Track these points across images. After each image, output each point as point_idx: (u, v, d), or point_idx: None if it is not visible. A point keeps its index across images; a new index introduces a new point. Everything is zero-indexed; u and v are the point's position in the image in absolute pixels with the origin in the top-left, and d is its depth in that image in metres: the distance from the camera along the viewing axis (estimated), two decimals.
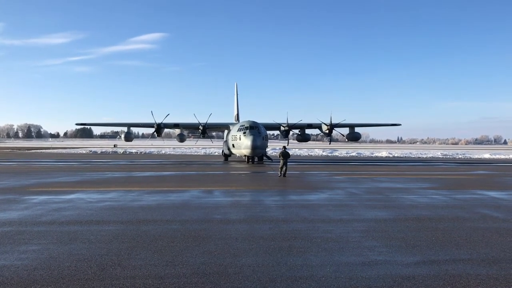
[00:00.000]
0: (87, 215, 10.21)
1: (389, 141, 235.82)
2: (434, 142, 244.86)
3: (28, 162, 35.53)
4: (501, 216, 10.61)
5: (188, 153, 58.68)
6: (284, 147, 23.51)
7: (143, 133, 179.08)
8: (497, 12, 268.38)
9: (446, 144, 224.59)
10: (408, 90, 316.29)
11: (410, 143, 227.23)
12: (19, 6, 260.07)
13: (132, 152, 58.57)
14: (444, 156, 56.26)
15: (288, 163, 22.72)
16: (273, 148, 63.67)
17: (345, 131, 42.01)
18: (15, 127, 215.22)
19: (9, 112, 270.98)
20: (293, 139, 50.24)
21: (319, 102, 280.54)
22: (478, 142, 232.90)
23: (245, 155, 34.80)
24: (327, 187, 17.18)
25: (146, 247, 7.18)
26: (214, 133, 66.04)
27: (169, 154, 55.58)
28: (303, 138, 42.87)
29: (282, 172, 21.94)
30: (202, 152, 62.21)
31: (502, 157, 54.45)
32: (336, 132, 40.62)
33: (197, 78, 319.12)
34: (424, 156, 56.43)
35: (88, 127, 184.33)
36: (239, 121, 43.68)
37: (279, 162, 22.72)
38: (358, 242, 7.68)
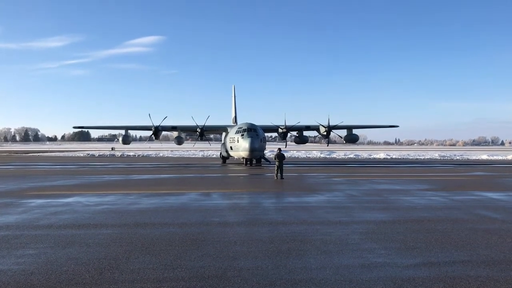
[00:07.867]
0: (84, 218, 10.16)
1: (386, 143, 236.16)
2: (431, 143, 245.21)
3: (26, 165, 35.40)
4: (500, 217, 10.61)
5: (186, 156, 58.62)
6: (279, 149, 23.49)
7: (140, 136, 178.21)
8: (492, 13, 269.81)
9: (444, 145, 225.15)
10: (405, 91, 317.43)
11: (408, 145, 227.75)
12: (15, 9, 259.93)
13: (130, 155, 58.47)
14: (441, 158, 56.35)
15: (285, 165, 22.69)
16: (271, 150, 63.60)
17: (343, 133, 41.94)
18: (12, 130, 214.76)
19: (6, 116, 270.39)
20: (291, 141, 50.25)
21: (317, 104, 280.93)
22: (476, 143, 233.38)
23: (243, 158, 34.75)
24: (326, 189, 17.16)
25: (145, 251, 7.14)
26: (212, 136, 65.97)
27: (167, 157, 55.48)
28: (301, 140, 42.85)
29: (279, 175, 21.88)
30: (200, 154, 62.22)
31: (500, 158, 54.58)
32: (334, 134, 40.56)
33: (195, 81, 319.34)
34: (422, 157, 56.53)
35: (86, 130, 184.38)
36: (237, 123, 43.62)
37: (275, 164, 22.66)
38: (357, 244, 7.65)
